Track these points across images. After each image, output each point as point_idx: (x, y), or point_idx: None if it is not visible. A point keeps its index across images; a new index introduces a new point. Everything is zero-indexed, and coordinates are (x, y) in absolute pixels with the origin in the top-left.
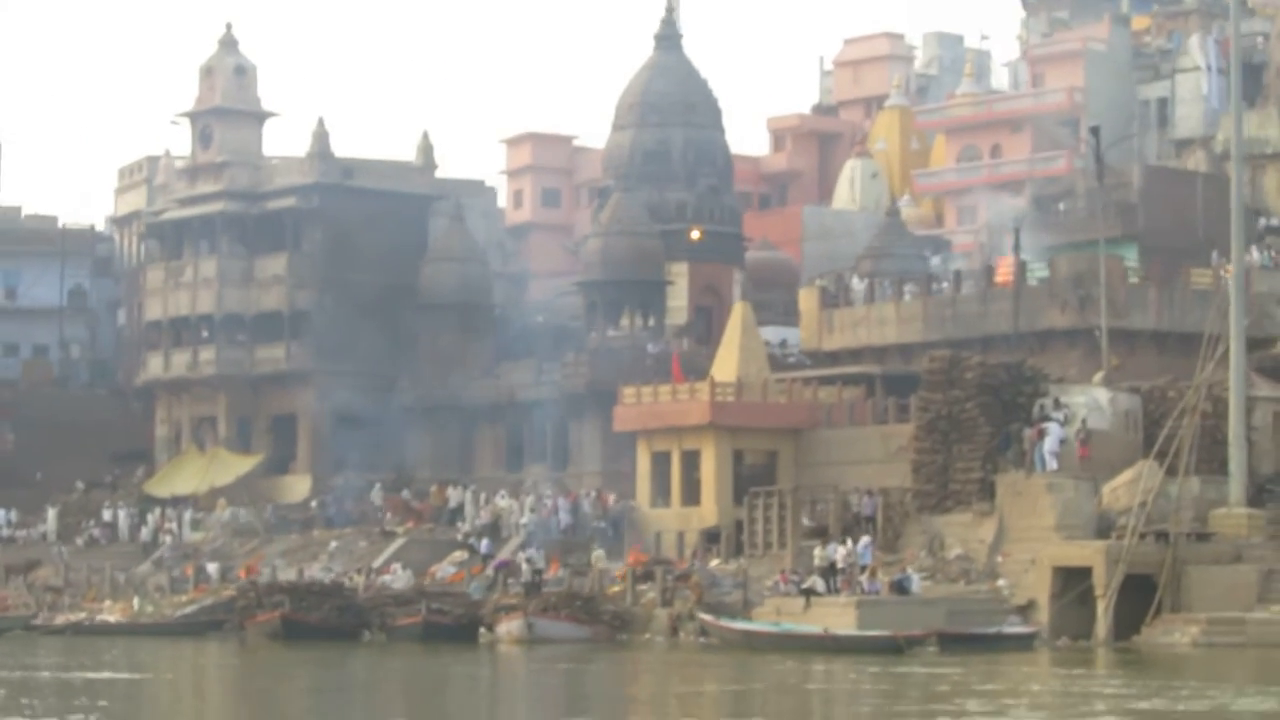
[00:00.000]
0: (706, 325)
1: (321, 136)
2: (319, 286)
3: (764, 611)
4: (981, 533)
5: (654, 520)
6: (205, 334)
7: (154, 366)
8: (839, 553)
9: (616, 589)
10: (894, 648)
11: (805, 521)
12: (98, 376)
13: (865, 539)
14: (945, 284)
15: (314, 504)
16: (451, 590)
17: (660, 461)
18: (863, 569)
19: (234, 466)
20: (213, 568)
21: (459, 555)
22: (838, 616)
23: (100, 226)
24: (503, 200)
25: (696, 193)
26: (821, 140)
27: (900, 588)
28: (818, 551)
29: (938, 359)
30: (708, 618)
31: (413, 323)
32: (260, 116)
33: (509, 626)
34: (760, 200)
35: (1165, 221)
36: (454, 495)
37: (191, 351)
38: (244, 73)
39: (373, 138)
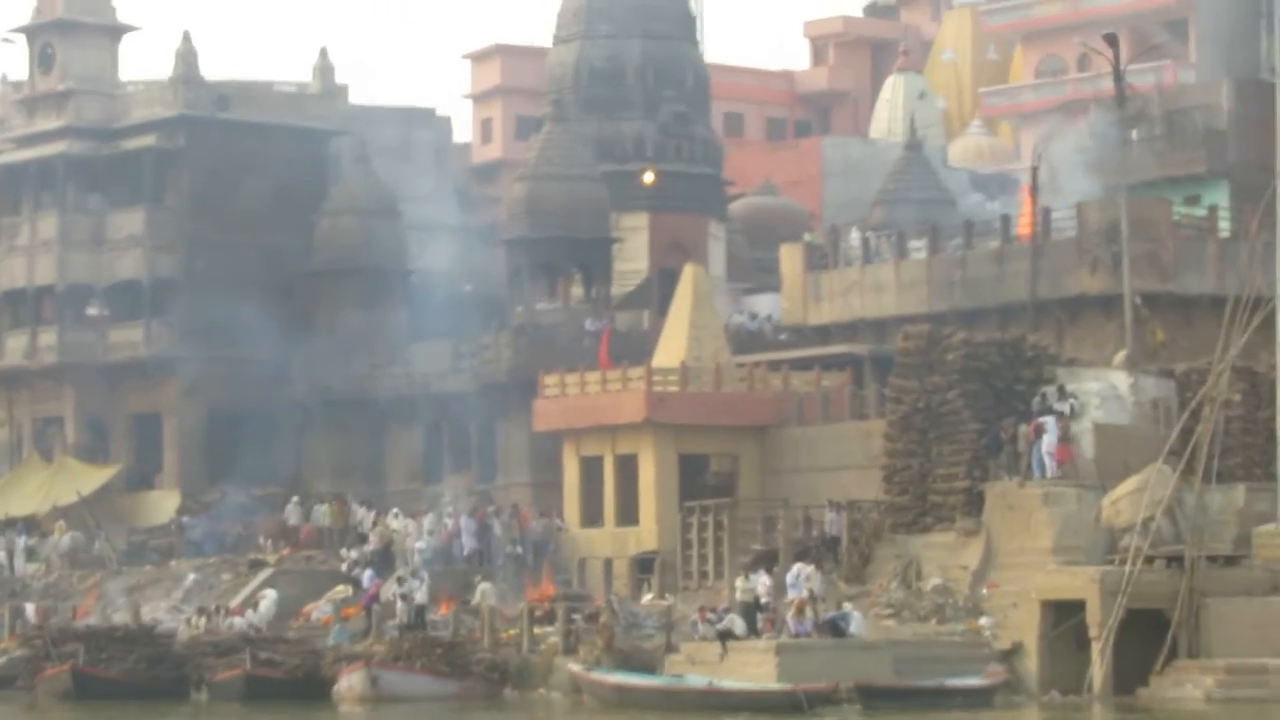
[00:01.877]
0: (671, 294)
1: (188, 55)
2: (186, 249)
3: (677, 660)
4: (965, 557)
5: (585, 544)
6: (47, 312)
7: None
8: (761, 584)
9: (511, 632)
10: (794, 705)
11: (755, 546)
12: None
13: (797, 566)
14: (958, 239)
15: (174, 527)
16: (289, 637)
17: (591, 469)
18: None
19: (84, 479)
20: (30, 609)
21: (341, 591)
22: (756, 665)
23: None
24: (467, 134)
25: (658, 122)
26: (874, 50)
27: (834, 628)
28: (739, 583)
29: (913, 335)
30: (576, 669)
31: (307, 294)
32: (115, 31)
33: (349, 681)
34: (796, 128)
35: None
36: (360, 514)
37: (29, 334)
38: None
39: (256, 57)
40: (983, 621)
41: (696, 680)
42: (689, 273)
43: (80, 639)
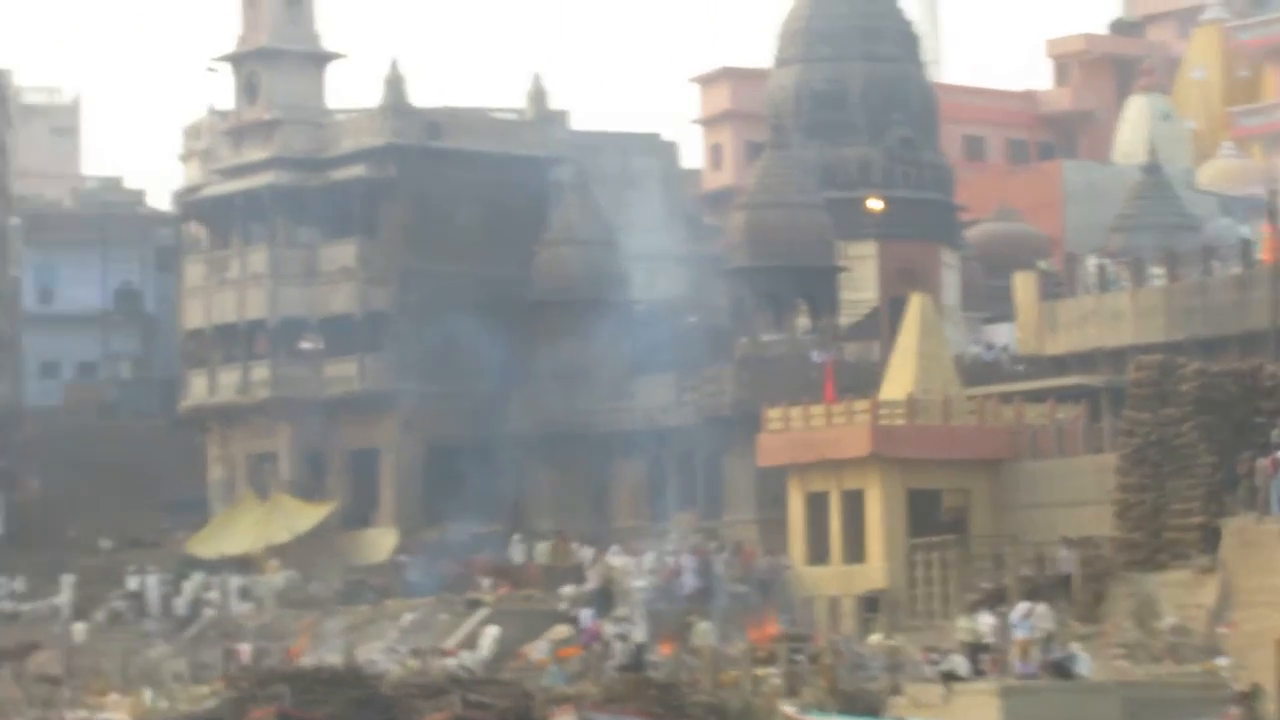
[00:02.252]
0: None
1: (397, 83)
2: (400, 280)
3: (900, 702)
4: (1201, 595)
5: (810, 582)
6: (260, 347)
7: (197, 389)
8: (985, 624)
9: (733, 674)
10: None
11: (983, 585)
12: (155, 402)
13: (1024, 605)
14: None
15: (391, 566)
16: (501, 678)
17: (816, 505)
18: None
19: (299, 517)
20: (245, 650)
21: (561, 631)
22: (980, 708)
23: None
24: (695, 159)
25: (884, 147)
26: (1119, 68)
27: (1060, 669)
28: (962, 623)
29: (1145, 366)
30: (789, 710)
31: (526, 326)
32: (320, 59)
33: None
34: (1039, 150)
35: None
36: (583, 553)
37: (241, 369)
38: (298, 1)
39: (467, 83)
40: (1220, 662)
41: None
42: (916, 302)
43: (287, 680)
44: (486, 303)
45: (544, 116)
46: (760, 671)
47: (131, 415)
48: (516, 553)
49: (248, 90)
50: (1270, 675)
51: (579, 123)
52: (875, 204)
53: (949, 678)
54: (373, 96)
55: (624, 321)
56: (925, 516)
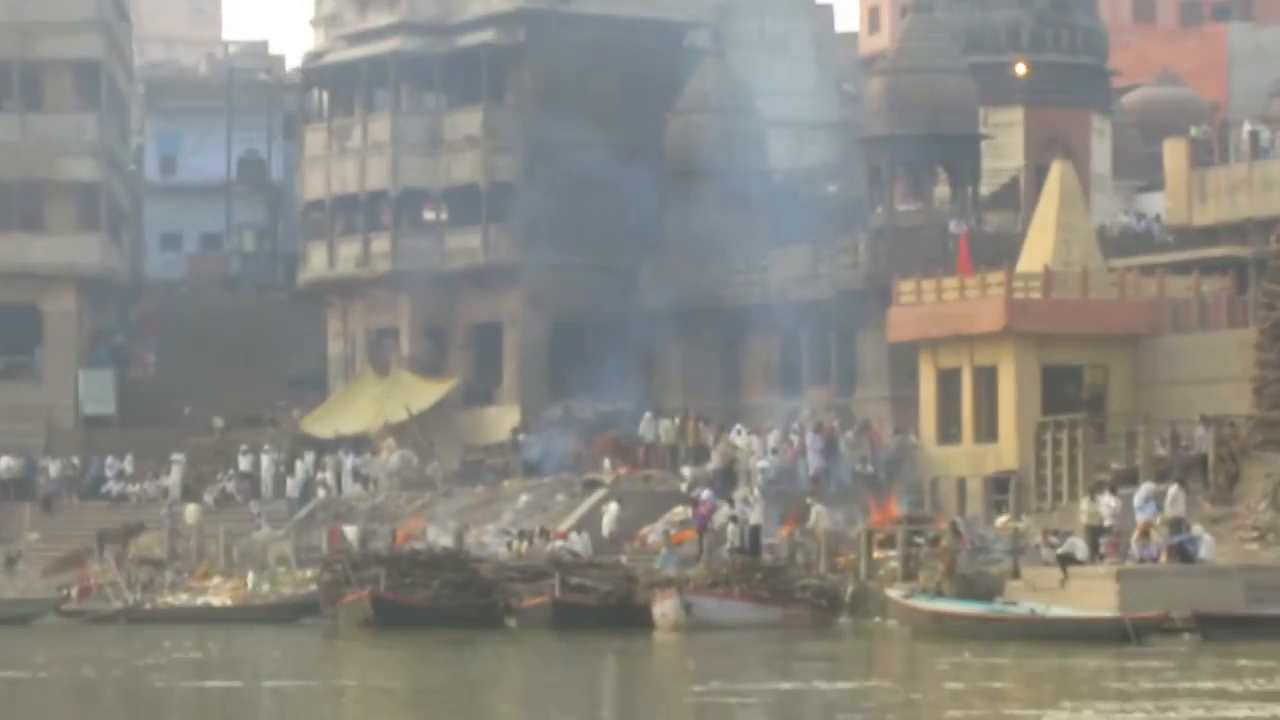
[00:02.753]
0: None
1: None
2: (527, 150)
3: (1017, 586)
4: None
5: (940, 462)
6: (383, 218)
7: (316, 262)
8: (1105, 506)
9: (850, 557)
10: (1121, 634)
11: (1114, 465)
12: (279, 275)
13: (1147, 486)
14: None
15: (510, 445)
16: (603, 562)
17: (948, 382)
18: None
19: (418, 394)
20: (351, 531)
21: (679, 513)
22: (1097, 592)
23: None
24: (852, 23)
25: (1034, 10)
26: None
27: (1182, 552)
28: (1084, 505)
29: None
30: (894, 594)
31: (658, 197)
32: None
33: (662, 608)
34: (1214, 13)
35: None
36: (708, 432)
37: (361, 241)
38: None
39: None
40: None
41: (1018, 607)
42: (1056, 171)
43: (382, 563)
44: (617, 172)
45: None
46: (878, 554)
47: (254, 288)
48: (649, 431)
49: None
50: None
51: None
52: (1020, 68)
53: (1066, 561)
54: None
55: (760, 191)
56: (1064, 394)
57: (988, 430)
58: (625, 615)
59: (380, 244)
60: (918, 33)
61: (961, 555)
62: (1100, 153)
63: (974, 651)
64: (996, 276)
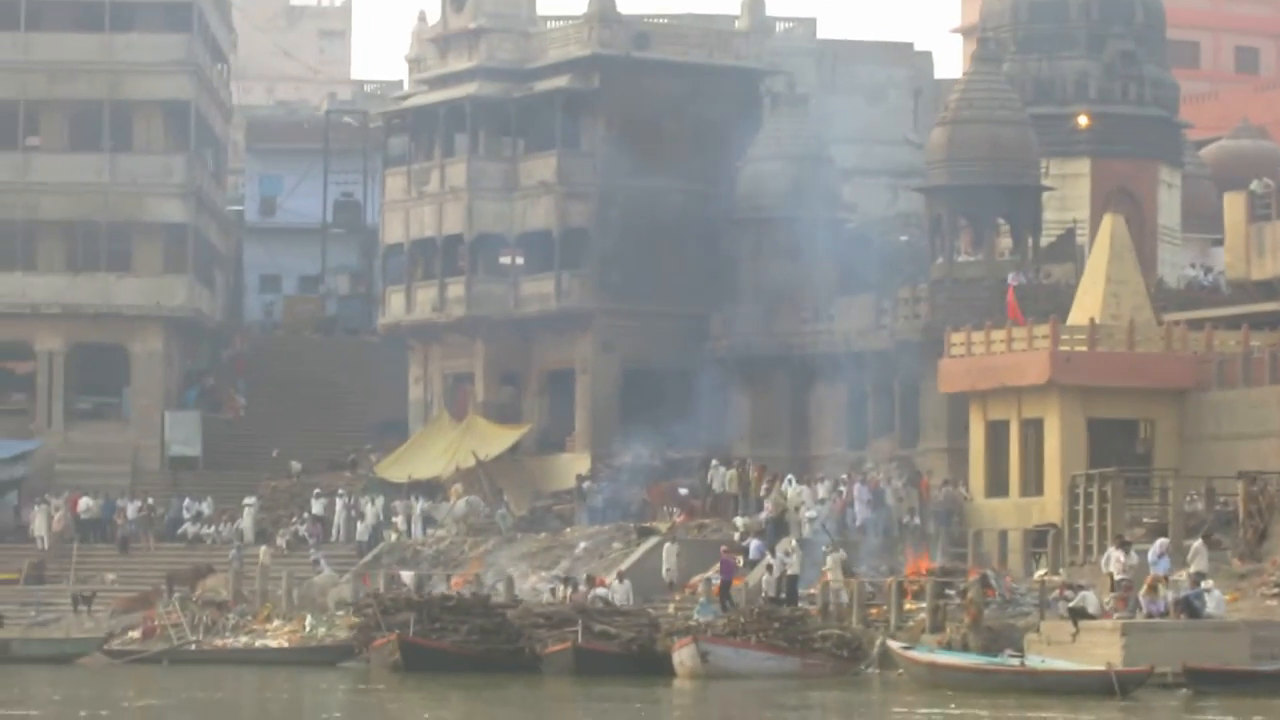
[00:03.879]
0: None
1: None
2: (600, 196)
3: (1035, 639)
4: None
5: (988, 514)
6: (461, 263)
7: (395, 306)
8: (1115, 561)
9: (881, 609)
10: (1107, 688)
11: (1146, 519)
12: (371, 318)
13: (1161, 541)
14: None
15: (577, 492)
16: (628, 609)
17: (997, 434)
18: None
19: (492, 440)
20: (408, 576)
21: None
22: (1104, 646)
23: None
24: (953, 70)
25: (1103, 61)
26: None
27: (1189, 607)
28: (1104, 560)
29: None
30: (894, 645)
31: (729, 244)
32: None
33: (680, 656)
34: None
35: None
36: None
37: (438, 286)
38: None
39: None
40: None
41: (1010, 660)
42: (1107, 224)
43: (413, 608)
44: (689, 219)
45: (759, 26)
46: (910, 606)
47: (346, 331)
48: (717, 480)
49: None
50: None
51: (826, 30)
52: (1082, 120)
53: (1077, 615)
54: (582, 5)
55: (831, 240)
56: (1116, 448)
57: (1034, 483)
58: (648, 663)
59: (456, 289)
60: (980, 83)
61: (991, 608)
62: (1169, 205)
63: (959, 704)
64: (1043, 329)
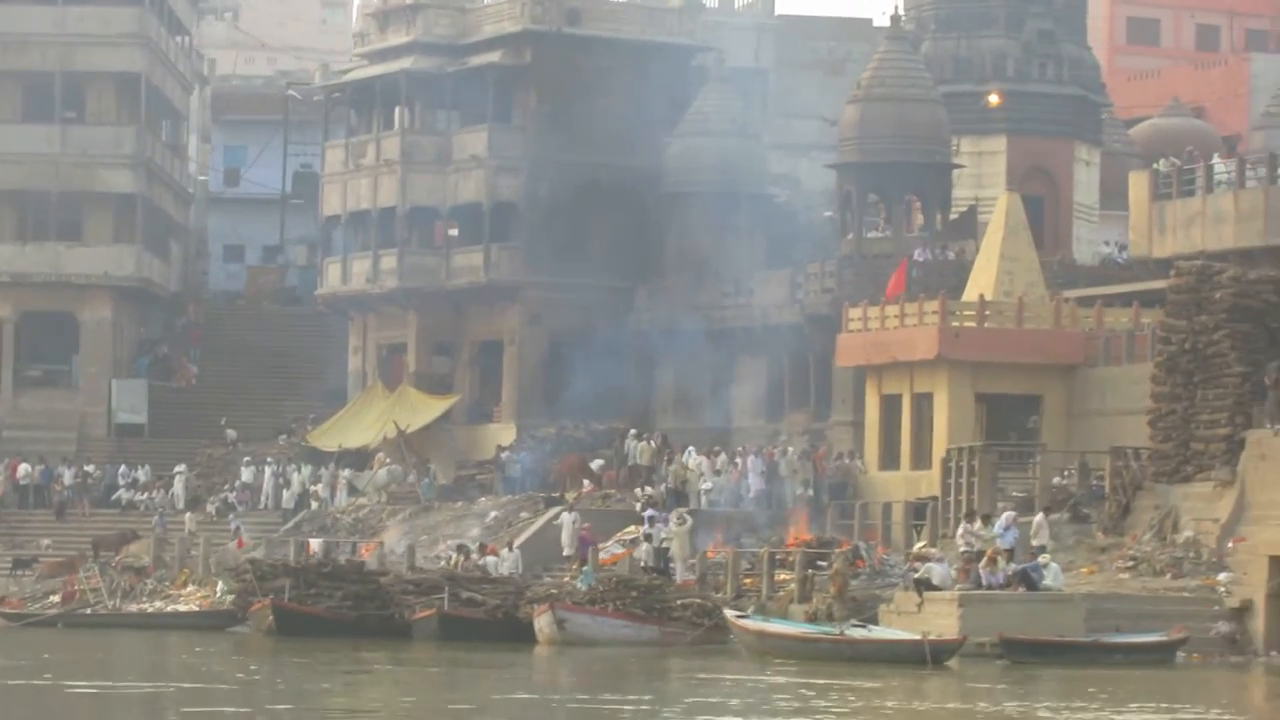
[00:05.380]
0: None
1: None
2: (530, 171)
3: (887, 610)
4: (1219, 509)
5: (881, 487)
6: (405, 234)
7: (332, 277)
8: (965, 534)
9: (755, 579)
10: (920, 656)
11: (1015, 493)
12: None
13: (1008, 514)
14: None
15: (496, 462)
16: (495, 577)
17: (890, 408)
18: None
19: (422, 410)
20: (316, 544)
21: (631, 531)
22: (945, 617)
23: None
24: None
25: (1021, 40)
26: None
27: (1027, 580)
28: (960, 532)
29: (1184, 272)
30: (730, 614)
31: (657, 219)
32: None
33: (539, 623)
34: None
35: None
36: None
37: (372, 258)
38: None
39: None
40: (1221, 577)
41: (828, 628)
42: (1003, 201)
43: (289, 574)
44: (619, 194)
45: (691, 3)
46: (784, 576)
47: (292, 301)
48: (635, 451)
49: None
50: (1261, 591)
51: (785, 6)
52: (994, 98)
53: (923, 586)
54: None
55: (756, 215)
56: (1018, 422)
57: (925, 456)
58: (512, 629)
59: (389, 260)
60: (891, 61)
61: (861, 579)
62: (1087, 182)
63: (776, 670)
64: (932, 305)
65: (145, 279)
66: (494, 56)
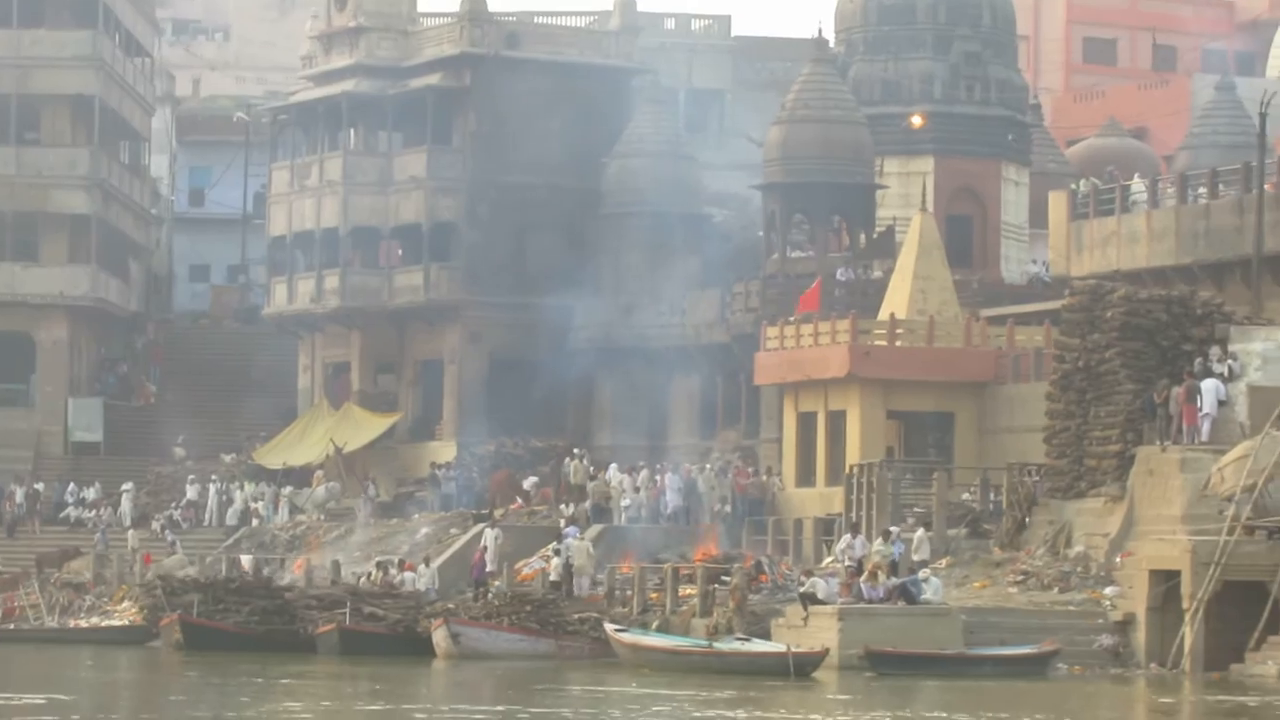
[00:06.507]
0: (958, 242)
1: None
2: (471, 192)
3: (779, 624)
4: (1109, 524)
5: (797, 503)
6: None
7: (279, 297)
8: (859, 547)
9: (658, 594)
10: (785, 669)
11: (917, 509)
12: None
13: (894, 530)
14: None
15: (430, 479)
16: (397, 593)
17: (807, 425)
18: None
19: (366, 428)
20: (247, 560)
21: (552, 547)
22: (827, 630)
23: None
24: None
25: (949, 62)
26: None
27: (906, 593)
28: (840, 546)
29: (1079, 290)
30: (609, 628)
31: (595, 239)
32: None
33: (436, 637)
34: (1239, 61)
35: None
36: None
37: (316, 278)
38: None
39: None
40: (1107, 591)
41: (696, 641)
42: (917, 222)
43: (199, 590)
44: (558, 214)
45: (629, 25)
46: (689, 591)
47: (242, 320)
48: (573, 470)
49: None
50: (1143, 605)
51: (741, 28)
52: (917, 120)
53: (808, 599)
54: (456, 3)
55: (691, 235)
56: (937, 439)
57: (838, 473)
58: (413, 644)
59: (333, 280)
60: (815, 83)
61: (762, 593)
62: (1016, 202)
63: (641, 684)
64: (844, 324)
65: (101, 299)
66: (433, 79)
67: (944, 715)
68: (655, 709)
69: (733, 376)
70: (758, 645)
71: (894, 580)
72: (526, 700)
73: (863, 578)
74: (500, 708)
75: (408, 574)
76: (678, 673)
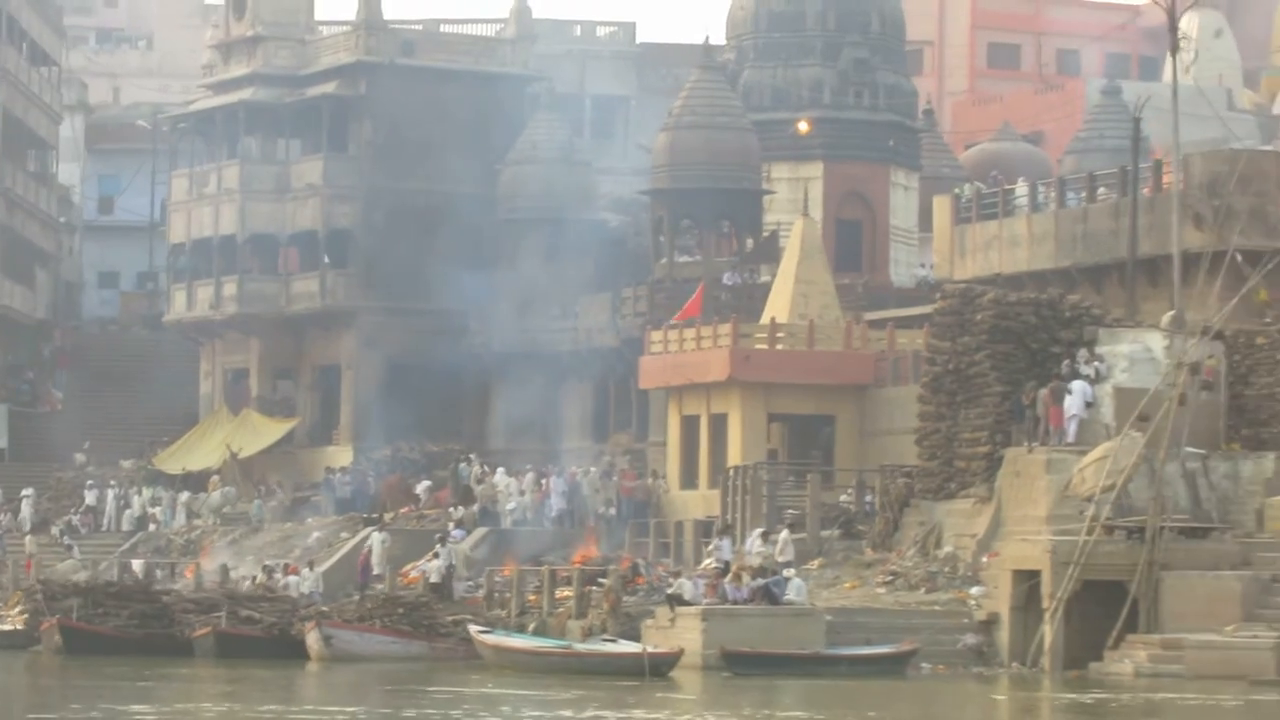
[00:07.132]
0: (848, 246)
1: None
2: (365, 198)
3: (649, 625)
4: (977, 525)
5: (681, 505)
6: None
7: (178, 303)
8: (726, 549)
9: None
10: (640, 669)
11: (790, 511)
12: None
13: (757, 531)
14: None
15: (325, 484)
16: (273, 596)
17: (690, 428)
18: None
19: (265, 433)
20: (138, 565)
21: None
22: (693, 630)
23: None
24: None
25: (837, 69)
26: None
27: (769, 594)
28: (711, 548)
29: (950, 294)
30: (474, 629)
31: (489, 245)
32: None
33: (309, 639)
34: (1142, 65)
35: None
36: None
37: (214, 284)
38: None
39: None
40: (973, 591)
41: (556, 642)
42: (798, 227)
43: (79, 594)
44: (453, 221)
45: (524, 34)
46: (566, 593)
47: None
48: (467, 474)
49: (236, 6)
50: (1005, 604)
51: (645, 35)
52: (803, 126)
53: (674, 601)
54: (353, 11)
55: (584, 240)
56: (820, 442)
57: (720, 476)
58: (288, 646)
59: (231, 287)
60: (702, 90)
61: (638, 595)
62: (905, 207)
63: (497, 684)
64: (725, 328)
65: (6, 306)
66: (329, 87)
67: (785, 714)
68: (501, 709)
69: (623, 381)
70: (616, 646)
71: (758, 581)
72: (376, 702)
73: (727, 578)
74: (352, 708)
75: (291, 578)
76: (538, 673)
